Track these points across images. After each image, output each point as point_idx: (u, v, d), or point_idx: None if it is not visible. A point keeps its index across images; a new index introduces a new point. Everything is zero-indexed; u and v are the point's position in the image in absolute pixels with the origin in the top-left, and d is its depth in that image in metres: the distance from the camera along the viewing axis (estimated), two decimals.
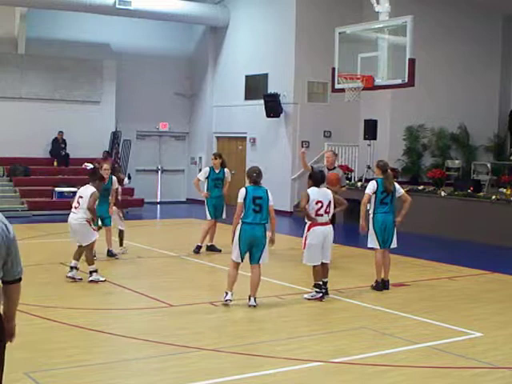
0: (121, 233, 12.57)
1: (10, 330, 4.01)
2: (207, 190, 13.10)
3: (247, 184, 8.97)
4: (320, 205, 9.19)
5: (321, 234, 9.23)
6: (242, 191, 8.71)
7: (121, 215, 12.70)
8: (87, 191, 10.12)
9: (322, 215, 9.22)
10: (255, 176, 8.79)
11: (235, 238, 8.72)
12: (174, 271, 11.91)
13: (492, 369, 6.64)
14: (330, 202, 9.29)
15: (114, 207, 12.21)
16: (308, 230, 9.29)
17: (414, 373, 6.47)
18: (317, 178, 9.40)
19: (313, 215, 9.19)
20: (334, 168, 12.61)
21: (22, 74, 21.34)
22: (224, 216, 13.16)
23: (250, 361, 6.74)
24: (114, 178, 12.24)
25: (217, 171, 13.16)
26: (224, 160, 13.33)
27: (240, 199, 8.67)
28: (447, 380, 6.32)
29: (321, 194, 9.26)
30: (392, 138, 20.67)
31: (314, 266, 9.35)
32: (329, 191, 9.48)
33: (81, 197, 10.14)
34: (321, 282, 9.34)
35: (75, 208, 10.13)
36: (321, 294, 9.32)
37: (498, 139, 22.32)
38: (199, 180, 13.23)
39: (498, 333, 7.97)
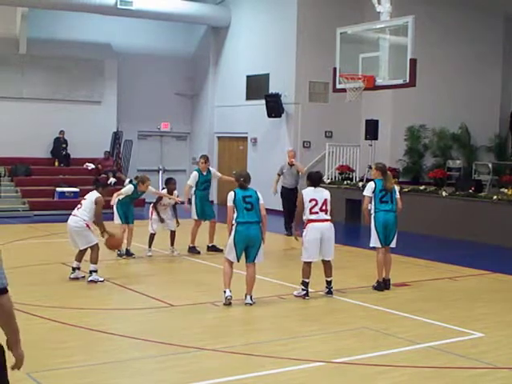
0: (172, 233, 12.90)
1: (16, 357, 3.58)
2: (195, 192, 13.22)
3: (236, 188, 9.08)
4: (314, 203, 9.35)
5: (316, 231, 9.33)
6: (231, 194, 8.89)
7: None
8: (92, 195, 10.27)
9: (316, 213, 9.34)
10: (242, 180, 8.99)
11: (230, 240, 8.85)
12: (174, 271, 11.93)
13: (492, 369, 6.63)
14: (325, 200, 9.42)
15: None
16: (304, 227, 9.46)
17: (415, 373, 6.47)
18: (313, 178, 9.64)
19: (306, 213, 9.34)
20: (294, 164, 16.11)
21: (23, 74, 21.35)
22: (216, 216, 13.52)
23: (250, 361, 6.74)
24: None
25: (204, 173, 13.35)
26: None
27: (229, 202, 8.85)
28: (448, 380, 6.32)
29: (315, 193, 9.43)
30: (393, 138, 20.65)
31: (304, 263, 9.44)
32: (325, 190, 9.62)
33: (84, 199, 10.27)
34: (307, 280, 9.45)
35: (77, 209, 10.18)
36: (304, 292, 9.43)
37: (499, 139, 22.27)
38: (191, 186, 13.25)
39: (499, 333, 7.95)
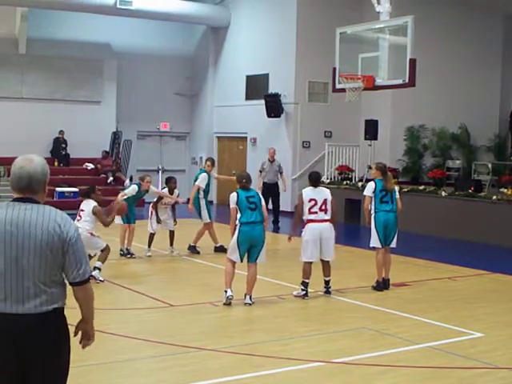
0: (171, 233, 12.96)
1: (85, 331, 4.21)
2: (204, 196, 13.18)
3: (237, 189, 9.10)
4: (313, 203, 9.37)
5: (315, 231, 9.35)
6: (234, 196, 8.91)
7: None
8: (88, 206, 10.06)
9: (316, 213, 9.36)
10: (244, 182, 9.03)
11: (233, 240, 8.86)
12: (174, 271, 11.93)
13: (492, 369, 6.64)
14: (325, 200, 9.43)
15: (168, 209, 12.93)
16: (303, 226, 9.49)
17: (414, 373, 6.47)
18: (313, 178, 9.69)
19: (305, 213, 9.36)
20: (274, 160, 17.26)
21: (22, 74, 21.34)
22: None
23: (250, 361, 6.75)
24: (153, 188, 12.83)
25: (210, 175, 13.38)
26: None
27: (233, 204, 8.87)
28: (447, 380, 6.32)
29: (315, 193, 9.46)
30: (393, 138, 20.66)
31: (305, 263, 9.44)
32: (326, 190, 9.63)
33: (82, 210, 10.13)
34: (307, 281, 9.46)
35: (77, 221, 10.08)
36: (304, 292, 9.44)
37: (499, 139, 22.28)
38: (201, 188, 13.20)
39: (499, 333, 7.96)
